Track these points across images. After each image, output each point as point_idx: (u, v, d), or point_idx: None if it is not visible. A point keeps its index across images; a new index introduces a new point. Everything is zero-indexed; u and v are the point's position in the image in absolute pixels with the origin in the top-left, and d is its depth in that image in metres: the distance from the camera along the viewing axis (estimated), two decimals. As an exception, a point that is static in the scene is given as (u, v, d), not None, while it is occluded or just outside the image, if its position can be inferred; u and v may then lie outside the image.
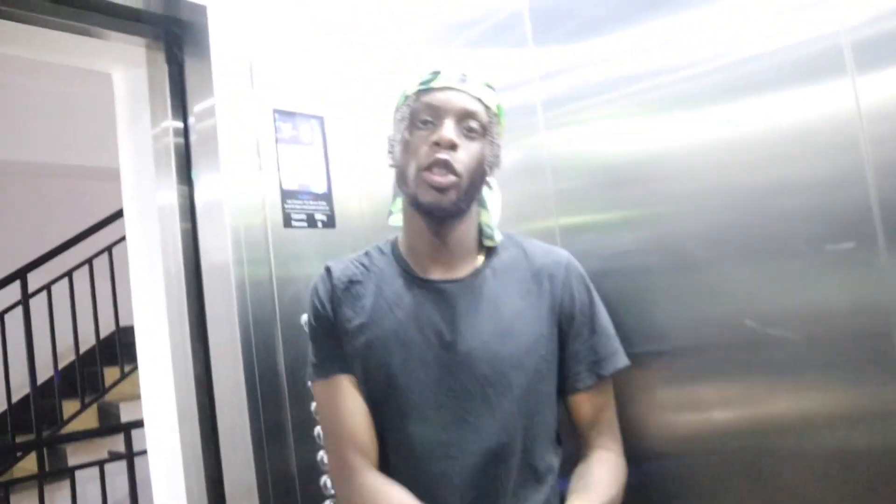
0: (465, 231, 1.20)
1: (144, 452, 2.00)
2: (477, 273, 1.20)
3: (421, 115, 1.15)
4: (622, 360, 1.20)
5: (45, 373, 4.20)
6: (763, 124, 1.09)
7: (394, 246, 1.28)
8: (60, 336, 4.24)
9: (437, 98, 1.14)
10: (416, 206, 1.16)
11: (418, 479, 1.12)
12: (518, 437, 1.13)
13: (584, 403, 1.20)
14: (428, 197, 1.12)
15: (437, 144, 1.11)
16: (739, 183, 1.12)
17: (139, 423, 3.14)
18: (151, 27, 1.68)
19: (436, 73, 1.17)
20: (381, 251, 1.28)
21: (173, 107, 1.70)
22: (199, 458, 1.59)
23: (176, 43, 1.69)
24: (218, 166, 1.57)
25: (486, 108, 1.17)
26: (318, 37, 1.80)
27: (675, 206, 1.20)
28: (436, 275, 1.20)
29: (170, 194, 1.68)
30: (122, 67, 1.84)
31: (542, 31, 1.41)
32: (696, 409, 1.19)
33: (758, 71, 1.09)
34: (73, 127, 4.68)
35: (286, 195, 1.63)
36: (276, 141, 1.64)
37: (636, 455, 1.22)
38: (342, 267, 1.26)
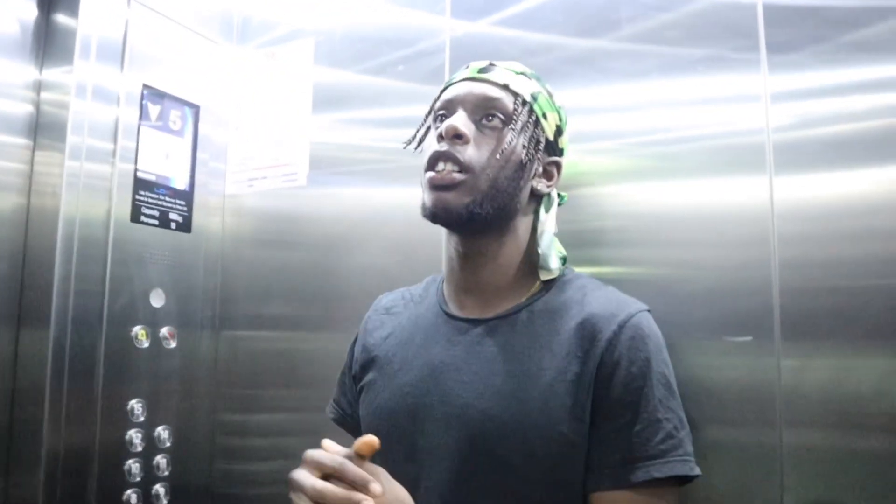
0: (501, 254, 0.97)
1: None
2: (511, 313, 0.95)
3: (438, 111, 0.99)
4: (669, 468, 0.84)
5: None
6: (682, 204, 1.09)
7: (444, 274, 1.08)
8: None
9: (455, 90, 0.98)
10: (425, 215, 0.95)
11: None
12: None
13: None
14: (431, 198, 0.92)
15: (442, 137, 0.92)
16: (648, 262, 1.11)
17: None
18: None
19: (461, 71, 1.02)
20: (434, 279, 1.11)
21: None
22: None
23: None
24: (63, 146, 1.34)
25: (515, 95, 0.96)
26: (206, 18, 1.63)
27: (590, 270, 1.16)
28: (465, 310, 0.99)
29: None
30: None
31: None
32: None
33: (684, 152, 1.10)
34: None
35: (140, 185, 1.42)
36: (140, 122, 1.43)
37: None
38: (391, 297, 1.15)
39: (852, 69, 0.98)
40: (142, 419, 1.38)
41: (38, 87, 1.43)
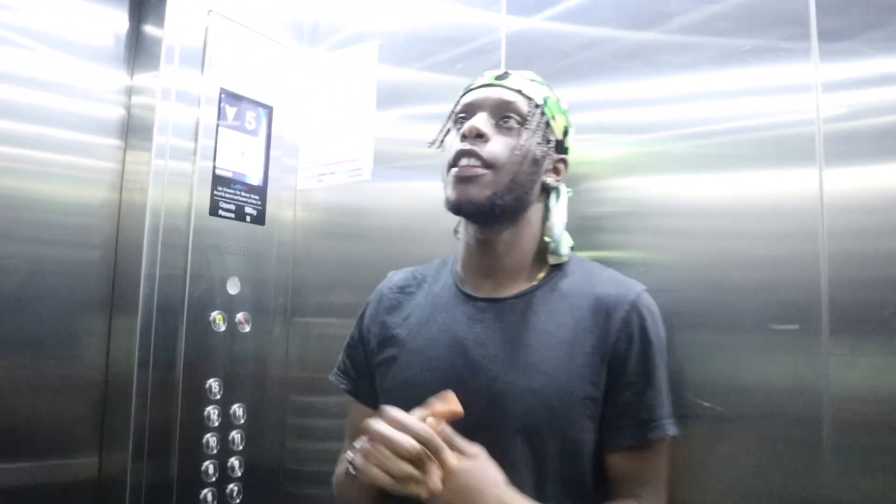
0: (517, 240, 1.07)
1: None
2: (526, 293, 1.05)
3: (458, 114, 1.09)
4: (674, 427, 0.99)
5: None
6: (731, 196, 1.09)
7: (456, 257, 1.17)
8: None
9: (474, 95, 1.08)
10: (449, 207, 1.04)
11: None
12: (527, 487, 0.94)
13: (622, 463, 0.99)
14: (456, 192, 1.01)
15: (465, 136, 1.02)
16: (699, 251, 1.11)
17: None
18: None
19: (478, 78, 1.12)
20: (444, 262, 1.19)
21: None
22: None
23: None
24: (150, 146, 1.46)
25: (529, 99, 1.06)
26: (280, 26, 1.73)
27: (632, 263, 1.19)
28: (482, 291, 1.08)
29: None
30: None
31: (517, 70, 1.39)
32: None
33: (734, 143, 1.10)
34: None
35: (218, 181, 1.52)
36: (218, 123, 1.54)
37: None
38: (401, 275, 1.22)
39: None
40: (218, 397, 1.47)
41: (130, 92, 1.55)
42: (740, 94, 1.11)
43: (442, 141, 1.14)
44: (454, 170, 1.02)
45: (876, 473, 0.93)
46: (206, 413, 1.45)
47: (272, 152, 1.67)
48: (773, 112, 1.07)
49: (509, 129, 1.04)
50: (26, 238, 1.37)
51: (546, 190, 1.10)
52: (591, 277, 1.06)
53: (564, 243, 1.08)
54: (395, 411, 0.87)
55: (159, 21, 1.51)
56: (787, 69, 1.06)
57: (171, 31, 1.50)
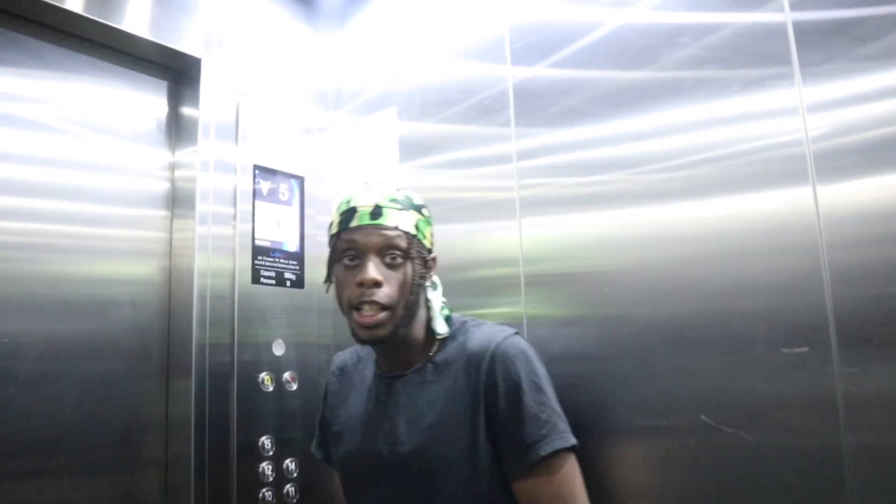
0: (408, 335, 1.23)
1: None
2: (419, 368, 1.23)
3: (346, 252, 1.20)
4: (551, 446, 1.11)
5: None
6: (729, 222, 1.13)
7: None
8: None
9: (356, 236, 1.18)
10: (358, 342, 1.20)
11: None
12: None
13: (524, 490, 1.14)
14: (363, 334, 1.17)
15: (362, 285, 1.16)
16: (703, 278, 1.15)
17: None
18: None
19: (350, 212, 1.21)
20: None
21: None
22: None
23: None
24: (194, 214, 1.58)
25: (406, 233, 1.19)
26: (306, 97, 1.84)
27: (638, 294, 1.23)
28: (390, 370, 1.26)
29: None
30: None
31: (525, 114, 1.45)
32: (646, 497, 1.20)
33: (726, 169, 1.14)
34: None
35: (258, 251, 1.63)
36: (255, 196, 1.64)
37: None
38: (344, 356, 1.40)
39: (882, 74, 0.99)
40: (271, 453, 1.56)
41: (173, 167, 1.68)
42: (733, 121, 1.14)
43: (330, 276, 1.26)
44: (357, 315, 1.16)
45: (893, 475, 0.94)
46: (260, 469, 1.54)
47: (306, 210, 1.77)
48: (763, 136, 1.10)
49: (395, 265, 1.18)
50: (88, 312, 1.49)
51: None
52: (467, 338, 1.23)
53: (440, 324, 1.25)
54: None
55: (195, 103, 1.65)
56: (773, 95, 1.09)
57: (205, 111, 1.63)
